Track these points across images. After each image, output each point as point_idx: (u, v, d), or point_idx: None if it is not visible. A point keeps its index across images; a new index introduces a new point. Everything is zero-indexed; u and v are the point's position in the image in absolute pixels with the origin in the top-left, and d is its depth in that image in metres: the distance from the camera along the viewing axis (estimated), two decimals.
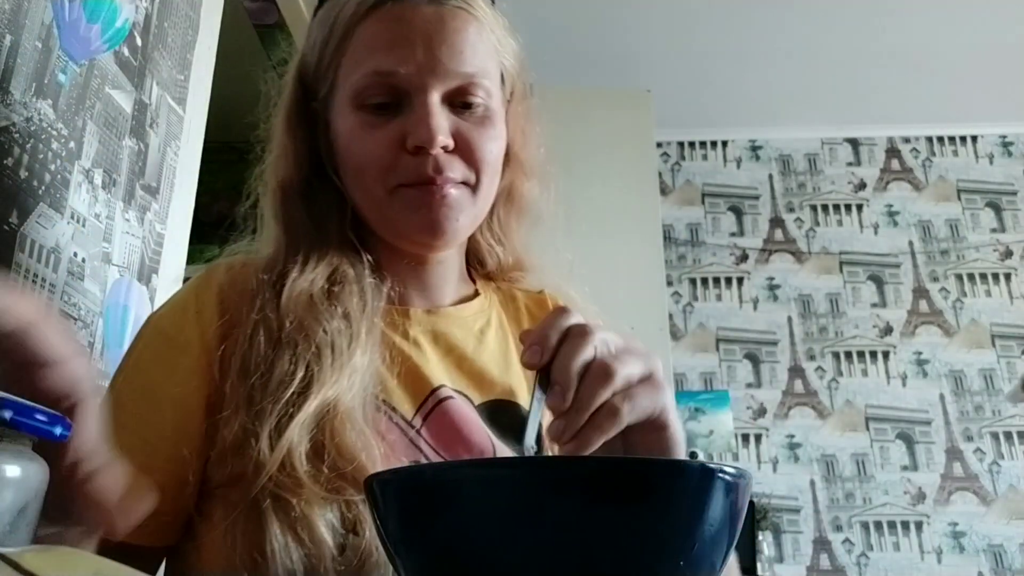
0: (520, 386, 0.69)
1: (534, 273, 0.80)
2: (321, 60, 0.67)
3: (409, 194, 0.63)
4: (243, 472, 0.55)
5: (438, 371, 0.66)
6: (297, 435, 0.54)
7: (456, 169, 0.63)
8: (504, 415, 0.66)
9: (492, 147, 0.65)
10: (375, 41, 0.63)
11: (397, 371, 0.63)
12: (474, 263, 0.79)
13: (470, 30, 0.64)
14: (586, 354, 0.45)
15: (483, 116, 0.65)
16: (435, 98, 0.62)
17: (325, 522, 0.53)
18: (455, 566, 0.31)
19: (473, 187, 0.65)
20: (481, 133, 0.64)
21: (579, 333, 0.46)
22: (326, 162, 0.69)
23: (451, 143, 0.62)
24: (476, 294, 0.75)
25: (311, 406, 0.55)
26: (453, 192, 0.63)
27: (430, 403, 0.63)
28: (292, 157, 0.68)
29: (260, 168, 0.73)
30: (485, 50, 0.65)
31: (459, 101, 0.64)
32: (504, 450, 0.63)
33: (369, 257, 0.67)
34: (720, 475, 0.32)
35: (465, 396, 0.66)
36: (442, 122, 0.62)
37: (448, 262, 0.72)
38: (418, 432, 0.62)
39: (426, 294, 0.71)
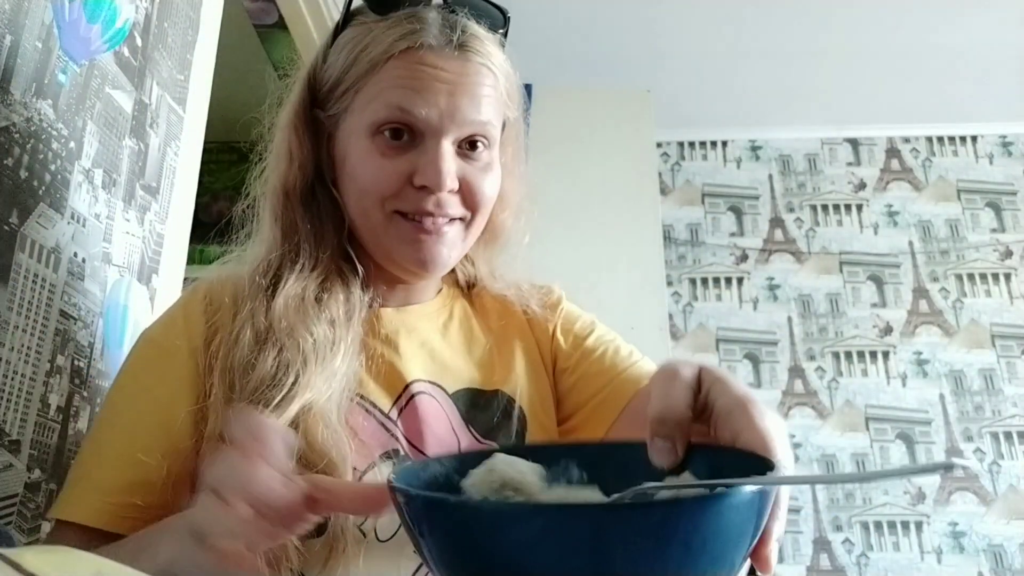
0: (481, 374, 0.74)
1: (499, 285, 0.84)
2: (340, 82, 0.70)
3: (405, 226, 0.67)
4: None
5: (412, 364, 0.70)
6: None
7: (455, 207, 0.68)
8: (475, 403, 0.71)
9: (491, 189, 0.70)
10: (402, 79, 0.66)
11: (375, 370, 0.68)
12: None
13: (487, 84, 0.69)
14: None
15: (487, 163, 0.70)
16: (447, 143, 0.66)
17: None
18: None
19: (467, 223, 0.70)
20: (483, 178, 0.69)
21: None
22: (325, 172, 0.72)
23: (456, 186, 0.67)
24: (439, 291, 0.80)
25: (293, 409, 0.59)
26: (448, 230, 0.68)
27: (404, 398, 0.68)
28: (297, 161, 0.71)
29: (262, 166, 0.75)
30: (497, 101, 0.70)
31: (466, 144, 0.68)
32: (467, 439, 0.69)
33: (361, 267, 0.71)
34: (756, 494, 0.33)
35: (439, 385, 0.71)
36: (451, 167, 0.66)
37: (429, 280, 0.77)
38: (395, 424, 0.67)
39: (404, 303, 0.76)
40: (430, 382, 0.70)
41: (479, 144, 0.69)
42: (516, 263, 0.81)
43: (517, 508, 0.36)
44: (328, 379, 0.61)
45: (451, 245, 0.69)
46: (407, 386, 0.68)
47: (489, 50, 0.69)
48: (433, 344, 0.73)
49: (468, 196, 0.68)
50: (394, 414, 0.67)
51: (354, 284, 0.69)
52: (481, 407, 0.71)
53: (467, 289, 0.83)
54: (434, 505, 0.36)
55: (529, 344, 0.78)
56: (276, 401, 0.58)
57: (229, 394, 0.61)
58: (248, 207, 0.75)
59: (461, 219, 0.69)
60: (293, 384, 0.60)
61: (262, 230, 0.73)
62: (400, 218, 0.67)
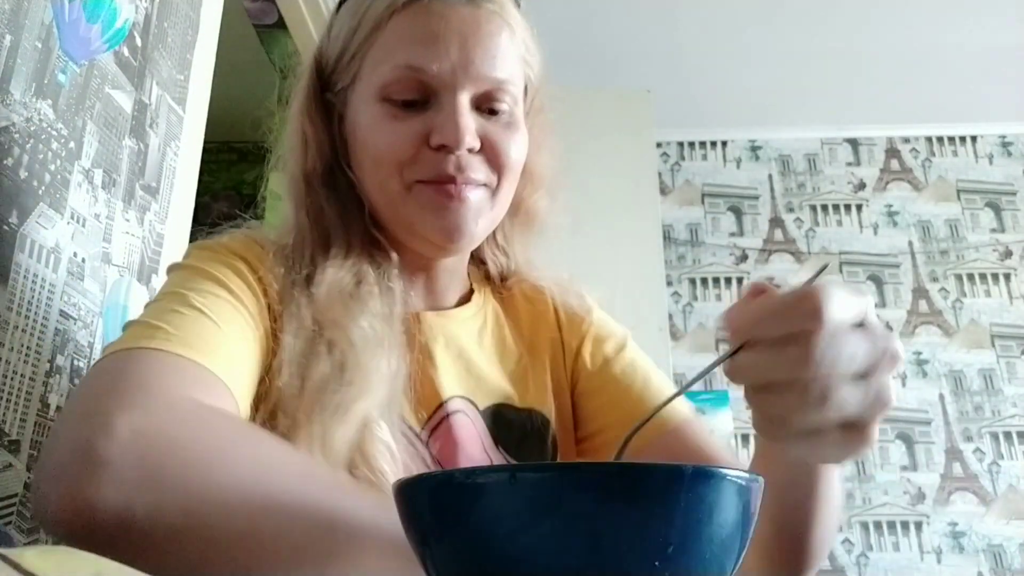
0: (514, 388, 0.69)
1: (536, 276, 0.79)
2: (345, 51, 0.65)
3: (426, 193, 0.61)
4: None
5: (448, 378, 0.66)
6: (341, 446, 0.54)
7: (478, 170, 0.62)
8: (506, 421, 0.67)
9: (517, 151, 0.64)
10: (409, 35, 0.61)
11: (411, 383, 0.62)
12: (476, 263, 0.78)
13: (503, 35, 0.63)
14: None
15: (508, 122, 0.64)
16: (464, 99, 0.61)
17: None
18: (480, 558, 0.32)
19: (493, 190, 0.64)
20: (507, 137, 0.63)
21: None
22: (340, 155, 0.67)
23: (477, 144, 0.61)
24: (471, 292, 0.75)
25: (355, 417, 0.54)
26: (472, 195, 0.62)
27: (437, 417, 0.63)
28: (314, 146, 0.66)
29: (276, 157, 0.71)
30: (515, 57, 0.64)
31: (486, 106, 0.63)
32: (499, 461, 0.64)
33: (395, 255, 0.66)
34: (733, 480, 0.33)
35: (471, 401, 0.66)
36: (470, 123, 0.61)
37: (455, 267, 0.72)
38: (426, 445, 0.62)
39: (431, 297, 0.71)
40: (464, 398, 0.66)
41: (499, 104, 0.63)
42: (552, 248, 0.76)
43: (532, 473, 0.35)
44: (377, 384, 0.57)
45: (477, 212, 0.62)
46: (443, 403, 0.64)
47: (502, 0, 0.64)
48: (470, 354, 0.68)
49: (492, 157, 0.62)
50: (425, 435, 0.62)
51: (389, 275, 0.64)
52: (514, 426, 0.67)
53: (499, 282, 0.77)
54: (440, 484, 0.34)
55: (556, 355, 0.74)
56: (339, 404, 0.54)
57: (282, 402, 0.55)
58: (262, 199, 0.72)
59: (486, 185, 0.63)
60: (351, 385, 0.55)
61: (287, 222, 0.67)
62: (421, 186, 0.62)
